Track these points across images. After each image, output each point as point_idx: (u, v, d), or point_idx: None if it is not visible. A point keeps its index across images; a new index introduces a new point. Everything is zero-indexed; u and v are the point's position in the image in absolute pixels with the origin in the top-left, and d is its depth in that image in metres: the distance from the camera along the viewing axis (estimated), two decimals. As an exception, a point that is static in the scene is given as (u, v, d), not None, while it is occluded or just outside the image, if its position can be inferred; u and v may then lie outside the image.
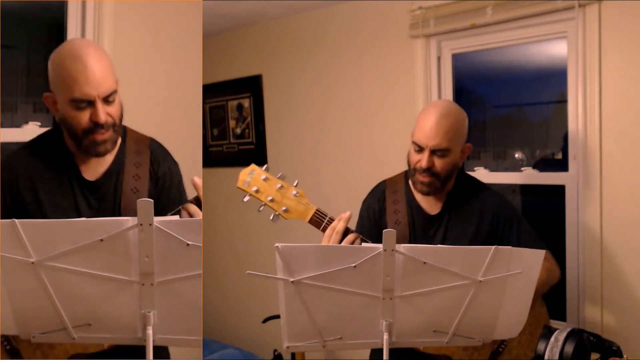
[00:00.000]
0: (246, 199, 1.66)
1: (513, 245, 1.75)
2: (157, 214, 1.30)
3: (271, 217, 1.68)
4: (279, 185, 1.66)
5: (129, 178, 1.67)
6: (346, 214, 1.69)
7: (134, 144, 1.71)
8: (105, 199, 1.65)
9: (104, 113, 1.54)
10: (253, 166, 1.67)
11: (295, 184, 1.69)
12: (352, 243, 1.67)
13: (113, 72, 1.58)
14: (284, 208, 1.66)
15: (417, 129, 1.77)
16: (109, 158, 1.67)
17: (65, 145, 1.66)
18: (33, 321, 1.39)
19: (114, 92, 1.56)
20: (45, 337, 1.40)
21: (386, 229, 1.63)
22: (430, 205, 1.87)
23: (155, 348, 1.38)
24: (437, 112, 1.75)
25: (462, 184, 1.89)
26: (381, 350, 1.47)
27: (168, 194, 1.72)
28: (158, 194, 1.69)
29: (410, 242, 1.81)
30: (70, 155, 1.65)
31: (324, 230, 1.69)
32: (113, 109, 1.57)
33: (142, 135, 1.74)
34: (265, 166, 1.68)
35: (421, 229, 1.85)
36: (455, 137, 1.77)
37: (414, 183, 1.83)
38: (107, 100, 1.54)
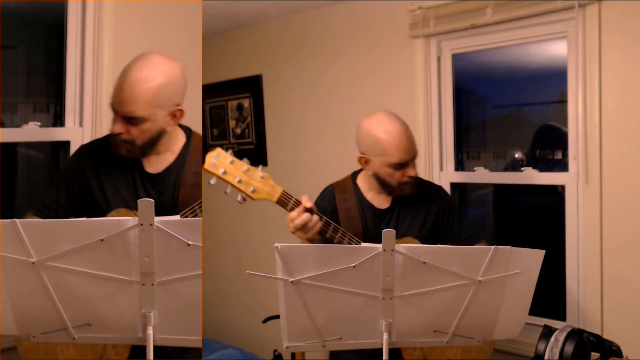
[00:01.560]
0: (212, 181, 1.65)
1: (454, 233, 1.94)
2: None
3: (239, 199, 1.68)
4: (245, 167, 1.66)
5: (189, 174, 1.75)
6: (307, 202, 1.70)
7: (198, 144, 1.81)
8: (165, 192, 1.73)
9: (117, 128, 1.65)
10: (218, 150, 1.66)
11: (259, 167, 1.69)
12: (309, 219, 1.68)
13: (154, 96, 1.64)
14: (251, 189, 1.65)
15: (393, 150, 1.83)
16: (171, 156, 1.76)
17: None
18: (33, 321, 1.39)
19: (139, 118, 1.63)
20: (45, 337, 1.40)
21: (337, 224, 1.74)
22: (380, 202, 1.96)
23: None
24: (398, 128, 1.86)
25: None
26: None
27: None
28: None
29: (363, 236, 1.88)
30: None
31: (290, 210, 1.70)
32: (135, 129, 1.65)
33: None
34: (230, 151, 1.67)
35: (373, 223, 1.93)
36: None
37: (397, 192, 1.90)
38: (129, 119, 1.64)
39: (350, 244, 1.70)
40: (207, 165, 1.64)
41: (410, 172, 1.86)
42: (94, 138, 2.49)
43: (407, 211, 1.95)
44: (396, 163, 1.84)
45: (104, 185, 1.74)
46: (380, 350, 1.51)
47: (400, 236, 1.87)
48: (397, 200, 1.95)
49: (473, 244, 1.97)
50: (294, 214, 1.68)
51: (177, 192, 1.73)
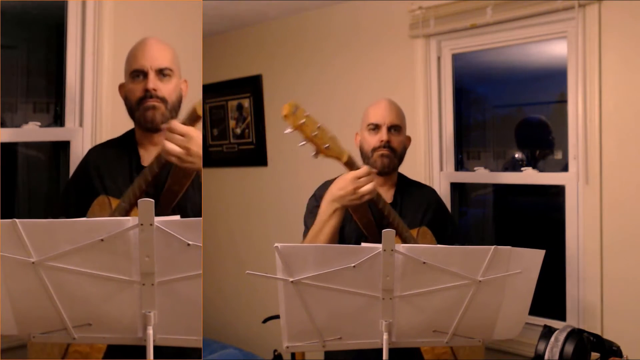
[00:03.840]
0: (288, 131, 1.65)
1: (445, 238, 1.97)
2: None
3: (313, 153, 1.70)
4: (319, 124, 1.67)
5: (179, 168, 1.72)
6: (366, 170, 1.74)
7: None
8: (158, 185, 1.72)
9: (153, 82, 1.69)
10: (295, 102, 1.65)
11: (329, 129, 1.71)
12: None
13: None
14: (326, 145, 1.68)
15: (371, 114, 1.95)
16: None
17: (134, 137, 1.81)
18: (33, 321, 1.39)
19: (168, 68, 1.71)
20: (45, 337, 1.40)
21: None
22: (383, 194, 1.94)
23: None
24: (385, 100, 1.98)
25: (404, 178, 2.09)
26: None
27: None
28: None
29: (374, 223, 1.90)
30: (135, 144, 1.80)
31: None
32: (165, 85, 1.71)
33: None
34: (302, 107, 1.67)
35: (378, 215, 1.92)
36: (404, 119, 1.99)
37: (372, 163, 1.93)
38: (161, 73, 1.70)
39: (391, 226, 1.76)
40: (286, 113, 1.62)
41: (382, 135, 1.90)
42: (94, 138, 2.49)
43: (408, 206, 1.98)
44: (371, 123, 1.92)
45: (105, 180, 1.77)
46: (377, 351, 1.52)
47: (409, 224, 1.91)
48: (398, 194, 2.00)
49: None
50: (363, 169, 1.71)
51: (167, 181, 1.71)
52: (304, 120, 1.64)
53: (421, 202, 2.02)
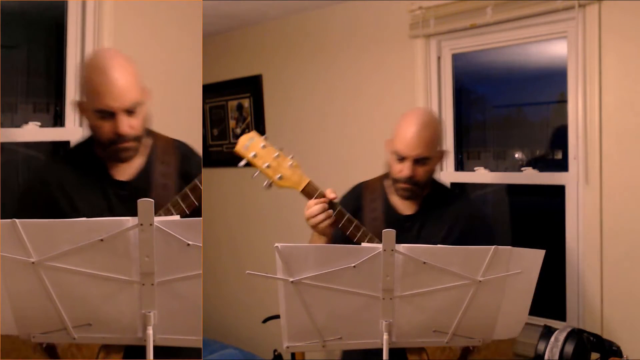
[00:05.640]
0: (242, 163, 1.66)
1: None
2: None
3: (265, 184, 1.69)
4: (276, 154, 1.67)
5: (158, 176, 1.69)
6: (330, 193, 1.72)
7: (162, 145, 1.75)
8: (137, 196, 1.65)
9: (125, 125, 1.57)
10: (253, 133, 1.67)
11: (290, 157, 1.70)
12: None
13: (139, 83, 1.60)
14: (279, 175, 1.66)
15: (398, 140, 1.81)
16: (139, 160, 1.70)
17: (93, 149, 1.68)
18: (33, 321, 1.39)
19: (137, 104, 1.59)
20: (45, 337, 1.40)
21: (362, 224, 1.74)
22: (406, 207, 1.91)
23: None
24: (417, 123, 1.80)
25: (437, 189, 1.96)
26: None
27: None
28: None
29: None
30: (101, 160, 1.68)
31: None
32: (136, 121, 1.59)
33: (168, 138, 1.79)
34: (264, 135, 1.68)
35: (397, 227, 1.86)
36: (435, 145, 1.83)
37: (395, 190, 1.88)
38: (129, 112, 1.58)
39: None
40: (239, 147, 1.65)
41: (405, 170, 1.78)
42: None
43: (432, 220, 1.88)
44: (395, 151, 1.81)
45: (77, 203, 1.64)
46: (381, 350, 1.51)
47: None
48: (424, 207, 1.89)
49: None
50: (310, 202, 1.70)
51: (149, 196, 1.62)
52: (255, 153, 1.64)
53: (446, 219, 1.87)
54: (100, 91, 1.55)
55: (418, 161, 1.79)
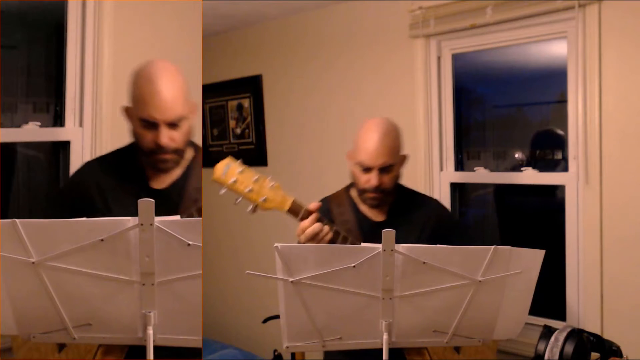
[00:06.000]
0: (222, 191, 1.65)
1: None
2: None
3: (249, 209, 1.68)
4: (256, 177, 1.66)
5: (191, 189, 1.73)
6: (315, 207, 1.72)
7: (200, 158, 1.79)
8: (167, 207, 1.66)
9: (165, 137, 1.61)
10: (229, 159, 1.66)
11: (269, 177, 1.69)
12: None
13: (185, 97, 1.65)
14: (262, 198, 1.66)
15: (362, 151, 1.83)
16: (177, 172, 1.74)
17: (138, 161, 1.72)
18: (33, 321, 1.39)
19: (181, 117, 1.63)
20: (45, 337, 1.40)
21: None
22: (375, 214, 1.94)
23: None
24: (378, 132, 1.83)
25: (403, 193, 1.99)
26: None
27: None
28: None
29: None
30: (141, 166, 1.72)
31: (301, 220, 1.71)
32: (177, 134, 1.64)
33: None
34: (240, 160, 1.67)
35: (370, 235, 1.88)
36: (397, 152, 1.87)
37: (363, 200, 1.91)
38: (172, 124, 1.62)
39: None
40: (217, 175, 1.63)
41: (372, 180, 1.81)
42: (94, 138, 2.49)
43: (402, 225, 1.89)
44: (360, 162, 1.83)
45: (110, 204, 1.70)
46: (373, 351, 1.51)
47: None
48: (393, 212, 1.94)
49: None
50: (305, 223, 1.69)
51: (179, 209, 1.68)
52: (235, 179, 1.64)
53: (417, 221, 1.93)
54: (146, 101, 1.59)
55: (383, 170, 1.82)
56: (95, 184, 1.72)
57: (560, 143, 2.45)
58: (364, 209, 1.95)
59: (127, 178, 1.73)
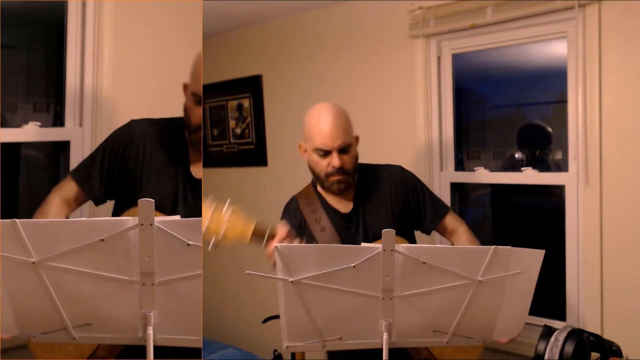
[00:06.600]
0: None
1: (424, 211, 1.93)
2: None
3: (209, 247, 1.62)
4: (212, 207, 1.61)
5: None
6: (282, 229, 1.67)
7: None
8: (200, 198, 1.73)
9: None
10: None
11: (227, 202, 1.64)
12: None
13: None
14: (221, 233, 1.62)
15: (317, 136, 1.83)
16: None
17: (184, 137, 1.79)
18: (33, 321, 1.39)
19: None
20: (45, 337, 1.40)
21: (311, 238, 1.78)
22: (343, 205, 1.92)
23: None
24: (329, 114, 1.84)
25: (364, 171, 1.97)
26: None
27: None
28: None
29: (340, 242, 1.86)
30: (186, 147, 1.78)
31: (265, 246, 1.66)
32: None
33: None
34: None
35: (344, 228, 1.89)
36: (351, 132, 1.88)
37: (328, 187, 1.89)
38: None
39: None
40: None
41: (334, 161, 1.81)
42: (94, 138, 2.48)
43: (372, 206, 1.91)
44: (318, 149, 1.83)
45: (150, 177, 1.74)
46: (376, 351, 1.51)
47: (375, 235, 1.84)
48: (358, 197, 1.92)
49: (439, 220, 1.97)
50: (270, 249, 1.62)
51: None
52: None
53: (384, 195, 1.92)
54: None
55: (342, 151, 1.82)
56: (137, 146, 1.76)
57: (547, 136, 2.46)
58: (332, 201, 1.92)
59: (170, 153, 1.77)
